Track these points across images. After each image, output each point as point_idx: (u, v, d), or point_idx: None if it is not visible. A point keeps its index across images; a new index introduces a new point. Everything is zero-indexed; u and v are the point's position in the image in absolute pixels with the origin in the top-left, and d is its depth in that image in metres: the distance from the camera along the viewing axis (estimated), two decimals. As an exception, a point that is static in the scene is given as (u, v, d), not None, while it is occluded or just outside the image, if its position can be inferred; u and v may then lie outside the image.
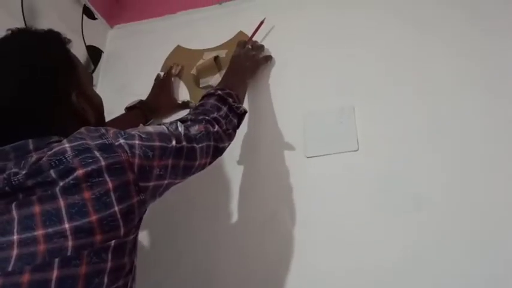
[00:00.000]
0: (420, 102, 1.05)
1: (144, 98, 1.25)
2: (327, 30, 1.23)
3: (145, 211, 0.71)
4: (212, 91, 0.94)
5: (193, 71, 1.31)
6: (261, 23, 1.27)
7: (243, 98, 1.07)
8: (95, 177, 0.61)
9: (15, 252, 0.57)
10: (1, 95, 0.67)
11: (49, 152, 0.62)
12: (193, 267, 1.03)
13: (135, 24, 1.52)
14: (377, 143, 1.03)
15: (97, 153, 0.63)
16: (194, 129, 0.80)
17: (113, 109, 1.15)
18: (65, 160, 0.61)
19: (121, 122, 1.11)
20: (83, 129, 0.67)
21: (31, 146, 0.64)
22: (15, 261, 0.57)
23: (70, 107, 0.72)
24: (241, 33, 1.32)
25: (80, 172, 0.61)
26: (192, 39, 1.38)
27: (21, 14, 1.14)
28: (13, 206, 0.60)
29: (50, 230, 0.58)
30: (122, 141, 0.66)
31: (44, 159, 0.61)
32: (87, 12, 1.43)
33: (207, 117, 0.85)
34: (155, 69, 1.35)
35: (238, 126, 0.95)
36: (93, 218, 0.60)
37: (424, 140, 1.01)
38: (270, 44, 1.27)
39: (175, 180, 0.75)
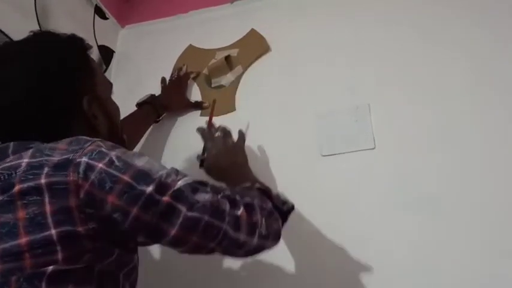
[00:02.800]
0: (435, 100, 1.04)
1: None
2: (339, 30, 1.22)
3: (108, 245, 0.60)
4: (249, 185, 0.77)
5: (205, 71, 1.31)
6: (214, 102, 1.15)
7: None
8: (32, 195, 0.55)
9: None
10: (10, 95, 0.65)
11: (5, 164, 0.58)
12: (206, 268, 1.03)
13: (146, 24, 1.51)
14: (393, 141, 1.03)
15: (45, 170, 0.56)
16: (202, 196, 0.63)
17: (125, 109, 1.14)
18: (14, 175, 0.56)
19: (132, 120, 1.11)
20: (68, 140, 0.61)
21: (10, 150, 0.61)
22: None
23: (79, 112, 0.69)
24: (253, 30, 1.32)
25: (16, 188, 0.55)
26: (204, 38, 1.38)
27: (35, 13, 1.14)
28: None
29: None
30: (83, 159, 0.57)
31: None
32: (99, 12, 1.43)
33: (237, 198, 0.67)
34: (167, 69, 1.35)
35: (281, 228, 0.74)
36: (23, 240, 0.54)
37: (439, 138, 1.00)
38: (283, 45, 1.26)
39: (137, 237, 0.62)
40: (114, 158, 0.59)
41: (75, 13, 1.31)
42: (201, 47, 1.37)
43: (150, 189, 0.58)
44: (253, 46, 1.29)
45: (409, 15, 1.18)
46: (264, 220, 0.67)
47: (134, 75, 1.41)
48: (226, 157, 0.92)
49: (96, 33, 1.40)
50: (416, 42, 1.13)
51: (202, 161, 0.94)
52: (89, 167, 0.57)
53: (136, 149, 1.17)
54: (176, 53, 1.39)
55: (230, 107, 1.22)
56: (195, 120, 1.22)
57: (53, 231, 0.54)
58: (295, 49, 1.24)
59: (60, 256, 0.55)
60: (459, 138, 0.99)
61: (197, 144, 1.00)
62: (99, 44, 1.41)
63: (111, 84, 0.81)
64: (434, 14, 1.15)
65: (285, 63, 1.23)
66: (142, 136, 1.18)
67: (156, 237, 0.61)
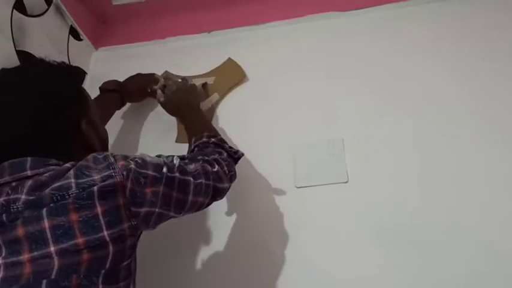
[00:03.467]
0: (409, 135, 1.09)
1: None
2: (317, 63, 1.27)
3: (138, 238, 0.71)
4: (205, 140, 0.94)
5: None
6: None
7: None
8: (84, 200, 0.62)
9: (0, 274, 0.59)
10: (18, 116, 0.69)
11: (55, 185, 0.62)
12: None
13: (121, 48, 1.50)
14: (366, 176, 1.06)
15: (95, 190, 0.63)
16: (191, 167, 0.79)
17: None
18: (67, 197, 0.62)
19: (100, 107, 1.10)
20: (90, 159, 0.68)
21: (28, 165, 0.65)
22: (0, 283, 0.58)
23: (80, 133, 0.76)
24: (230, 59, 1.34)
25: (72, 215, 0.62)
26: (180, 65, 1.38)
27: (10, 32, 1.11)
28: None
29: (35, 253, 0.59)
30: (122, 162, 0.68)
31: (47, 191, 0.62)
32: (74, 33, 1.41)
33: (206, 158, 0.86)
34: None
35: (235, 171, 0.94)
36: (80, 240, 0.61)
37: (413, 172, 1.04)
38: (260, 75, 1.29)
39: (169, 212, 0.75)
40: (136, 159, 0.70)
41: (50, 33, 1.29)
42: (176, 73, 1.37)
43: (164, 170, 0.73)
44: (230, 75, 1.31)
45: (385, 49, 1.24)
46: (226, 168, 0.87)
47: (106, 98, 1.39)
48: (183, 96, 1.13)
49: (69, 53, 1.38)
50: (393, 77, 1.19)
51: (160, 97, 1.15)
52: (128, 169, 0.67)
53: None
54: (150, 78, 1.39)
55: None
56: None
57: (105, 233, 0.63)
58: (272, 79, 1.27)
59: (111, 253, 0.64)
60: (431, 173, 1.03)
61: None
62: (72, 64, 1.38)
63: (99, 111, 0.89)
64: (411, 49, 1.22)
65: (261, 93, 1.25)
66: (106, 123, 1.16)
67: (180, 207, 0.76)
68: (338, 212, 1.03)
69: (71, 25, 1.40)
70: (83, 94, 0.81)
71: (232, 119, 1.23)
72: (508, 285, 0.88)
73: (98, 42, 1.51)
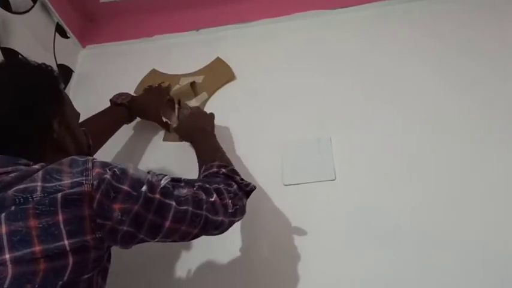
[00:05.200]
0: (396, 133, 1.10)
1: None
2: (304, 61, 1.27)
3: (106, 251, 0.68)
4: (215, 170, 0.87)
5: (169, 96, 1.30)
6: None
7: None
8: (46, 206, 0.59)
9: None
10: None
11: (19, 186, 0.60)
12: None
13: (109, 46, 1.49)
14: (354, 174, 1.06)
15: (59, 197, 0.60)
16: (181, 191, 0.73)
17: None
18: (30, 200, 0.59)
19: (104, 120, 1.12)
20: (66, 162, 0.65)
21: None
22: None
23: (50, 134, 0.73)
24: (218, 59, 1.34)
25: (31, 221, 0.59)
26: (168, 64, 1.38)
27: (-5, 29, 1.10)
28: None
29: None
30: (98, 170, 0.64)
31: (10, 192, 0.59)
32: (60, 31, 1.40)
33: (207, 186, 0.79)
34: (128, 91, 1.33)
35: (244, 207, 0.87)
36: (37, 248, 0.58)
37: (400, 171, 1.04)
38: (248, 74, 1.29)
39: (139, 234, 0.69)
40: (116, 169, 0.66)
41: (36, 30, 1.28)
42: (164, 72, 1.37)
43: (143, 189, 0.67)
44: (219, 74, 1.31)
45: (371, 48, 1.25)
46: (230, 201, 0.80)
47: (93, 96, 1.38)
48: (198, 121, 1.10)
49: (56, 51, 1.36)
50: (380, 76, 1.20)
51: (169, 126, 1.14)
52: (102, 179, 0.63)
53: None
54: (138, 76, 1.38)
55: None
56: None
57: (66, 242, 0.59)
58: (260, 78, 1.27)
59: (70, 263, 0.60)
60: (419, 170, 1.04)
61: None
62: (59, 62, 1.38)
63: (78, 114, 0.85)
64: (400, 49, 1.24)
65: (249, 91, 1.25)
66: (112, 135, 1.16)
67: (153, 231, 0.70)
68: (325, 209, 1.03)
69: (57, 22, 1.39)
70: (57, 95, 0.77)
71: (220, 117, 1.22)
72: (502, 285, 0.89)
73: (85, 40, 1.50)
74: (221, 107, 1.25)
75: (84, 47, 1.51)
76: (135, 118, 1.22)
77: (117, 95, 1.19)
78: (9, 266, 0.57)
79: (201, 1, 1.44)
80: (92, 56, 1.49)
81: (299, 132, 1.15)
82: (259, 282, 0.98)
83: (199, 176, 0.90)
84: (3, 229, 0.57)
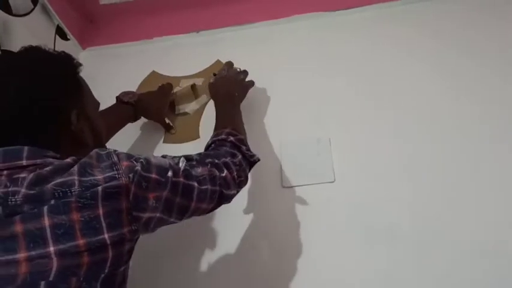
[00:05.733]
0: (395, 134, 1.10)
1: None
2: (304, 63, 1.27)
3: (135, 243, 0.69)
4: (223, 136, 0.91)
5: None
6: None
7: (246, 135, 1.01)
8: (87, 199, 0.60)
9: None
10: (6, 104, 0.65)
11: (57, 180, 0.60)
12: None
13: (109, 48, 1.50)
14: (353, 175, 1.06)
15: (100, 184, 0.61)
16: (197, 171, 0.77)
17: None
18: (69, 194, 0.59)
19: (111, 117, 1.11)
20: (94, 156, 0.65)
21: (24, 154, 0.62)
22: None
23: (68, 126, 0.71)
24: (218, 62, 1.34)
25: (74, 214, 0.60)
26: (168, 66, 1.38)
27: (-5, 31, 1.11)
28: None
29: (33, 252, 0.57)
30: (126, 163, 0.65)
31: (49, 186, 0.59)
32: (60, 33, 1.40)
33: (216, 161, 0.82)
34: (129, 92, 1.34)
35: (248, 173, 0.92)
36: (81, 241, 0.58)
37: (400, 172, 1.04)
38: (248, 75, 1.29)
39: (169, 217, 0.73)
40: (141, 161, 0.67)
41: (36, 33, 1.28)
42: (164, 74, 1.38)
43: (169, 174, 0.70)
44: (218, 76, 1.31)
45: (370, 49, 1.26)
46: (236, 173, 0.84)
47: (93, 98, 1.39)
48: (228, 85, 1.12)
49: (56, 53, 1.37)
50: (380, 77, 1.20)
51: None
52: (134, 171, 0.65)
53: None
54: (138, 78, 1.39)
55: (194, 134, 1.22)
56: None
57: (106, 235, 0.60)
58: (260, 79, 1.27)
59: (110, 257, 0.61)
60: (419, 171, 1.03)
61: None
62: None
63: (98, 104, 0.84)
64: (400, 50, 1.24)
65: (249, 93, 1.25)
66: (116, 132, 1.16)
67: (181, 213, 0.74)
68: (325, 211, 1.03)
69: (58, 25, 1.39)
70: (76, 85, 0.75)
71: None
72: (500, 284, 0.89)
73: (85, 42, 1.51)
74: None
75: (84, 48, 1.51)
76: (140, 117, 1.22)
77: (123, 93, 1.19)
78: (54, 258, 0.57)
79: (200, 3, 1.44)
80: (92, 58, 1.49)
81: (298, 133, 1.15)
82: (259, 284, 0.98)
83: (210, 139, 0.94)
84: (46, 222, 0.57)
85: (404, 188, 1.02)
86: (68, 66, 0.74)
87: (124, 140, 1.25)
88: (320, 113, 1.17)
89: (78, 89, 0.75)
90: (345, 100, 1.18)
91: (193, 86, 1.28)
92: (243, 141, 0.92)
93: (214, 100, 1.13)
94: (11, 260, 0.56)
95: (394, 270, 0.93)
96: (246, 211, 1.07)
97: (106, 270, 0.61)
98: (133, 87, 1.36)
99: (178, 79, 1.33)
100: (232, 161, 0.85)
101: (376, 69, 1.22)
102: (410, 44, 1.24)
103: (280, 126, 1.18)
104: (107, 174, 0.62)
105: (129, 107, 1.16)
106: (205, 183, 0.77)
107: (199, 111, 1.26)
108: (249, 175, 1.09)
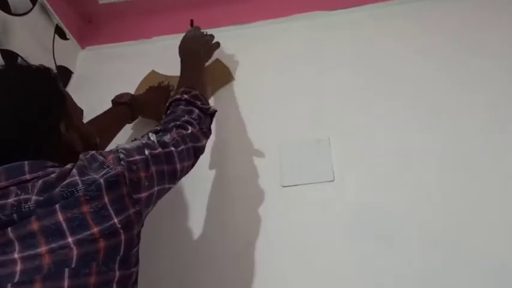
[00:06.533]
0: (396, 134, 1.10)
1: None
2: (303, 62, 1.27)
3: (142, 225, 0.74)
4: (178, 96, 0.96)
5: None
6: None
7: (207, 92, 1.07)
8: (93, 191, 0.65)
9: (19, 267, 0.60)
10: (2, 116, 0.69)
11: (62, 183, 0.65)
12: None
13: (108, 47, 1.50)
14: (352, 174, 1.06)
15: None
16: (167, 138, 0.83)
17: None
18: (76, 192, 0.64)
19: (108, 119, 1.13)
20: (84, 160, 0.70)
21: (26, 168, 0.66)
22: (20, 275, 0.60)
23: (59, 137, 0.75)
24: (217, 61, 1.34)
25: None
26: (167, 65, 1.37)
27: (-6, 31, 1.11)
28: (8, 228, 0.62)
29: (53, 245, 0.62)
30: (111, 156, 0.70)
31: (57, 190, 0.64)
32: (59, 32, 1.40)
33: (178, 123, 0.88)
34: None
35: (211, 124, 0.98)
36: (95, 229, 0.64)
37: (399, 171, 1.04)
38: (247, 74, 1.30)
39: (164, 185, 0.78)
40: (121, 149, 0.73)
41: (35, 32, 1.28)
42: (163, 73, 1.37)
43: (147, 152, 0.76)
44: (218, 75, 1.31)
45: (371, 49, 1.25)
46: (198, 126, 0.91)
47: (92, 97, 1.36)
48: (195, 44, 1.18)
49: (55, 53, 1.37)
50: (379, 76, 1.20)
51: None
52: (122, 159, 0.70)
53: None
54: (137, 77, 1.38)
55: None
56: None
57: (116, 220, 0.66)
58: (258, 78, 1.28)
59: (123, 240, 0.67)
60: (419, 170, 1.03)
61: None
62: (58, 64, 1.38)
63: (81, 110, 0.87)
64: (399, 49, 1.24)
65: (248, 92, 1.26)
66: (115, 134, 1.17)
67: (173, 177, 0.81)
68: (324, 210, 1.03)
69: (57, 24, 1.39)
70: (59, 97, 0.78)
71: (218, 118, 1.22)
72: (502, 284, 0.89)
73: (84, 41, 1.51)
74: (220, 108, 1.23)
75: (83, 48, 1.51)
76: (137, 117, 1.22)
77: (118, 95, 1.20)
78: (74, 247, 0.62)
79: (199, 2, 1.44)
80: (91, 58, 1.49)
81: (297, 132, 1.15)
82: (258, 283, 0.98)
83: (168, 100, 0.99)
84: (61, 217, 0.62)
85: (404, 187, 1.02)
86: (50, 80, 0.77)
87: (122, 140, 1.25)
88: (319, 112, 1.17)
89: (62, 101, 0.78)
90: (344, 100, 1.18)
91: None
92: (198, 96, 0.97)
93: (181, 57, 1.17)
94: (34, 254, 0.61)
95: (393, 269, 0.94)
96: (246, 210, 1.07)
97: (121, 253, 0.67)
98: (132, 86, 1.36)
99: (177, 78, 1.32)
100: (191, 117, 0.91)
101: (376, 68, 1.21)
102: (410, 43, 1.24)
103: (280, 126, 1.18)
104: (101, 173, 0.67)
105: (125, 107, 1.17)
106: (178, 144, 0.83)
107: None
108: (250, 175, 1.11)
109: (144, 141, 0.79)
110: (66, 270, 0.61)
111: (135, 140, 0.81)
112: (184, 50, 1.16)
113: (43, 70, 0.77)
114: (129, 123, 1.22)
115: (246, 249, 1.02)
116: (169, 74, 1.36)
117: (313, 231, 1.02)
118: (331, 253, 0.98)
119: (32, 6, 1.29)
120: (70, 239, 0.62)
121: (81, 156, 0.71)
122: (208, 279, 1.01)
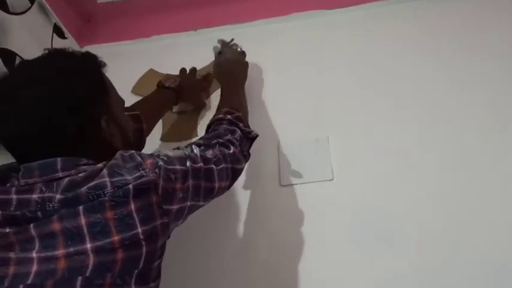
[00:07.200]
0: (395, 133, 1.09)
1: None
2: (302, 61, 1.27)
3: (168, 237, 0.71)
4: (221, 116, 0.93)
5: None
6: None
7: (248, 117, 1.04)
8: (120, 197, 0.62)
9: (34, 268, 0.59)
10: (35, 115, 0.66)
11: (90, 184, 0.62)
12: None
13: (106, 46, 1.49)
14: (351, 173, 1.06)
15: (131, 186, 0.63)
16: (209, 153, 0.80)
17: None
18: (102, 195, 0.62)
19: (153, 104, 1.12)
20: (119, 158, 0.67)
21: (59, 165, 0.64)
22: (34, 277, 0.58)
23: (98, 131, 0.72)
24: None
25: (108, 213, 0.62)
26: (166, 64, 1.38)
27: (-8, 29, 1.10)
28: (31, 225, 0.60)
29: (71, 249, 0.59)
30: (149, 160, 0.67)
31: (83, 190, 0.61)
32: (58, 31, 1.40)
33: (221, 140, 0.86)
34: (124, 91, 1.32)
35: (249, 148, 0.96)
36: (116, 238, 0.60)
37: (398, 170, 1.04)
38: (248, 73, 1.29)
39: (198, 202, 0.76)
40: (162, 156, 0.70)
41: (33, 31, 1.28)
42: (162, 72, 1.37)
43: (188, 164, 0.73)
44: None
45: (370, 47, 1.25)
46: (240, 148, 0.88)
47: (91, 96, 1.38)
48: (232, 68, 1.19)
49: (53, 52, 1.36)
50: (378, 75, 1.20)
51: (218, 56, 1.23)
52: (159, 166, 0.67)
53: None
54: (136, 77, 1.39)
55: (192, 133, 1.21)
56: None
57: (140, 230, 0.62)
58: (258, 78, 1.27)
59: (144, 252, 0.63)
60: (418, 169, 1.03)
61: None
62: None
63: (123, 102, 0.84)
64: (398, 49, 1.24)
65: (247, 91, 1.25)
66: (160, 119, 1.16)
67: (208, 195, 0.78)
68: (323, 210, 1.03)
69: (55, 23, 1.39)
70: (102, 90, 0.75)
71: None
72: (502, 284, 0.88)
73: (82, 40, 1.50)
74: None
75: (82, 47, 1.50)
76: (178, 103, 1.22)
77: (164, 77, 1.19)
78: (91, 255, 0.59)
79: (198, 1, 1.44)
80: (89, 57, 1.49)
81: (297, 131, 1.15)
82: (257, 283, 0.97)
83: (210, 120, 0.96)
84: (83, 221, 0.60)
85: (403, 186, 1.02)
86: (95, 71, 0.74)
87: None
88: (318, 111, 1.17)
89: (106, 95, 0.75)
90: (343, 99, 1.18)
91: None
92: (240, 118, 0.95)
93: (218, 81, 1.19)
94: (51, 256, 0.59)
95: (392, 269, 0.93)
96: (245, 209, 1.07)
97: (140, 266, 0.63)
98: (131, 85, 1.36)
99: (177, 78, 1.32)
100: (233, 138, 0.89)
101: (375, 67, 1.21)
102: (409, 43, 1.24)
103: (279, 125, 1.17)
104: (135, 175, 0.64)
105: (171, 92, 1.16)
106: (220, 163, 0.80)
107: (197, 110, 1.26)
108: (249, 174, 1.10)
109: (187, 153, 0.76)
110: (79, 278, 0.59)
111: (178, 148, 0.78)
112: (223, 74, 1.18)
113: (88, 59, 0.74)
114: (171, 109, 1.21)
115: (244, 248, 1.02)
116: (167, 73, 1.35)
117: (312, 230, 1.01)
118: (330, 252, 0.98)
119: (30, 5, 1.28)
120: (89, 245, 0.60)
121: (117, 154, 0.68)
122: (207, 278, 1.00)
